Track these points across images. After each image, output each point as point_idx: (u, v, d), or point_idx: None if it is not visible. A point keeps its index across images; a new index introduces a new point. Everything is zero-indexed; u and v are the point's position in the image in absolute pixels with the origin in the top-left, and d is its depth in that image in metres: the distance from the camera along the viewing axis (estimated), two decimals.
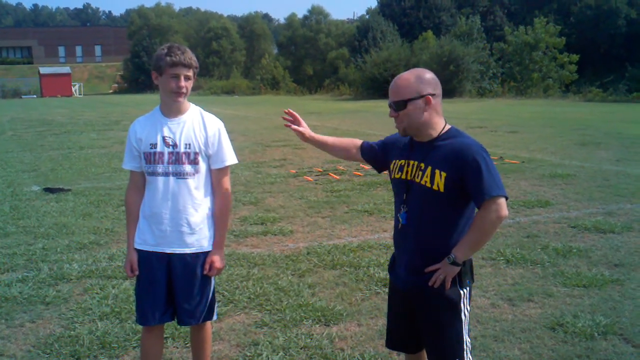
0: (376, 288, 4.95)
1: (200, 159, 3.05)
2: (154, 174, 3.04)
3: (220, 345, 4.02)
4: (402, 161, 2.74)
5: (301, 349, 3.94)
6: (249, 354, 3.90)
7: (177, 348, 4.00)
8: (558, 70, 41.90)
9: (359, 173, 10.46)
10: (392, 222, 2.88)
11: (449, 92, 38.46)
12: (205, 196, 3.12)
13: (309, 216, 7.55)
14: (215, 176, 3.14)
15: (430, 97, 2.61)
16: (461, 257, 2.58)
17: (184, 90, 2.98)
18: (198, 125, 3.07)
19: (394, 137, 2.90)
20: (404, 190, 2.70)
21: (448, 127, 2.68)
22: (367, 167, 10.89)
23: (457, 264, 2.58)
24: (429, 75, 2.64)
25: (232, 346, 4.02)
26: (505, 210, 2.53)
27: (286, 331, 4.20)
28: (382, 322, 4.28)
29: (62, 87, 58.70)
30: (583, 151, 12.79)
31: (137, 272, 3.12)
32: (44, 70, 61.69)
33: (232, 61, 67.40)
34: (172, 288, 3.11)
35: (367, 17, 64.63)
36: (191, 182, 3.05)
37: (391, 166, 2.83)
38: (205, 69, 62.15)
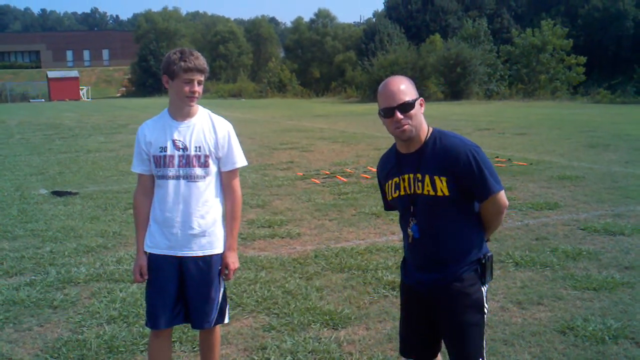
0: (384, 291, 4.92)
1: (210, 161, 3.06)
2: (164, 177, 3.04)
3: (228, 349, 4.01)
4: (396, 179, 2.70)
5: (309, 352, 3.92)
6: (256, 358, 3.88)
7: (185, 352, 3.98)
8: (565, 72, 41.76)
9: (366, 175, 10.44)
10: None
11: (456, 94, 38.50)
12: (215, 199, 3.12)
13: (316, 219, 7.53)
14: (226, 178, 3.15)
15: (422, 100, 2.64)
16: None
17: (197, 94, 3.01)
18: (208, 127, 3.08)
19: (380, 167, 2.86)
20: (409, 204, 2.66)
21: (430, 129, 2.67)
22: (375, 169, 10.91)
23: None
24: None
25: (240, 350, 4.01)
26: (506, 199, 2.68)
27: (294, 335, 4.17)
28: (390, 325, 4.26)
29: (70, 91, 58.84)
30: (591, 153, 12.72)
31: (146, 277, 3.11)
32: (52, 74, 61.87)
33: (239, 64, 67.43)
34: (183, 291, 3.10)
35: (373, 20, 64.67)
36: (201, 184, 3.05)
37: (386, 188, 2.79)
38: (212, 72, 62.05)
